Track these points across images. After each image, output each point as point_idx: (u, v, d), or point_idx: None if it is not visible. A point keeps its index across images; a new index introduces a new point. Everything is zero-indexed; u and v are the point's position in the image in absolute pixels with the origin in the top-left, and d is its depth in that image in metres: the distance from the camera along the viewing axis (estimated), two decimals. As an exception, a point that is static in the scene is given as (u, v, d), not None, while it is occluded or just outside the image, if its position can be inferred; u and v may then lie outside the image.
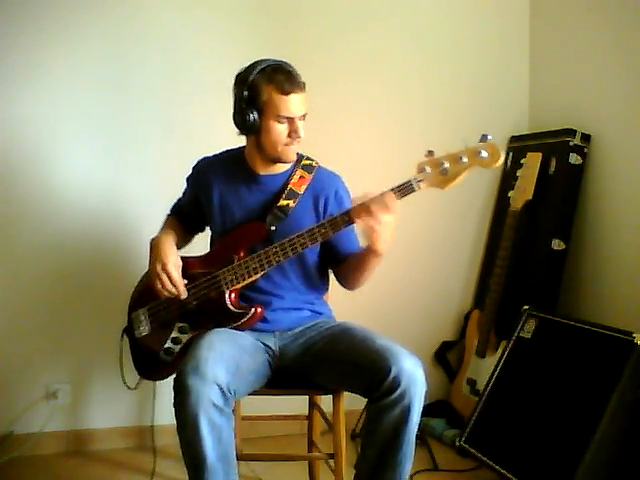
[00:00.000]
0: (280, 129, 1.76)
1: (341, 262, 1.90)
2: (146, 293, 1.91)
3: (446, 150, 1.62)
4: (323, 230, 1.71)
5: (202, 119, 2.60)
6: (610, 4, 2.62)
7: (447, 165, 1.61)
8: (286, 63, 1.78)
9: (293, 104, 1.73)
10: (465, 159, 1.60)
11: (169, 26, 2.57)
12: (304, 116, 1.78)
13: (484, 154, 1.59)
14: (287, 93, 1.72)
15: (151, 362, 1.92)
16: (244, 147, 1.90)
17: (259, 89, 1.74)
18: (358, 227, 1.70)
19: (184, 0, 2.59)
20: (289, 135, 1.77)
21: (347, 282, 1.92)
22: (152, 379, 2.05)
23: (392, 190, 1.64)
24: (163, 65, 2.57)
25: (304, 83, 1.77)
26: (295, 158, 1.85)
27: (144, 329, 1.93)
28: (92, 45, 2.48)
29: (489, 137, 1.59)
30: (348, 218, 1.69)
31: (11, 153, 2.44)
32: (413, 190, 1.64)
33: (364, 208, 1.63)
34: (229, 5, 2.64)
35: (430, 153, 1.63)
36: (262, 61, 1.77)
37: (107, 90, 2.51)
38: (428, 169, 1.63)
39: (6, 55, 2.40)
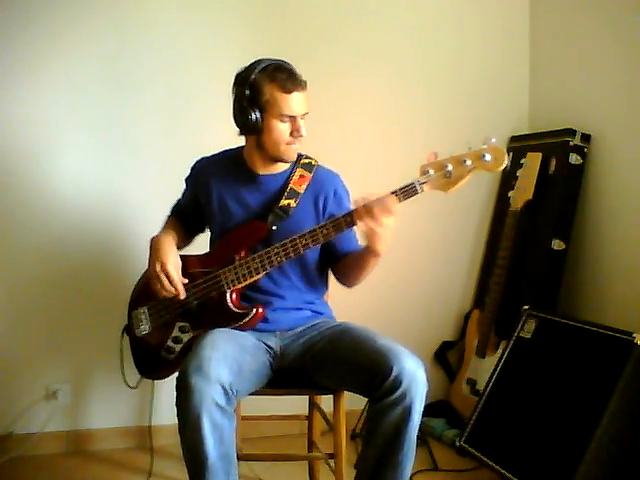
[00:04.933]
0: (282, 128, 1.76)
1: (340, 260, 1.90)
2: (147, 291, 1.91)
3: (448, 150, 1.62)
4: (325, 231, 1.71)
5: (202, 119, 2.60)
6: (610, 4, 2.62)
7: (451, 168, 1.61)
8: (286, 62, 1.79)
9: (295, 102, 1.74)
10: (469, 162, 1.60)
11: (168, 25, 2.57)
12: (305, 115, 1.79)
13: (488, 157, 1.58)
14: (289, 91, 1.73)
15: (151, 361, 1.92)
16: (242, 147, 1.90)
17: (261, 88, 1.74)
18: (359, 229, 1.70)
19: (183, -1, 2.60)
20: (291, 134, 1.77)
21: (346, 280, 1.92)
22: (152, 378, 2.05)
23: (395, 192, 1.64)
24: (162, 64, 2.57)
25: (305, 82, 1.77)
26: (296, 157, 1.86)
27: (144, 328, 1.92)
28: (90, 45, 2.48)
29: (493, 140, 1.59)
30: (350, 220, 1.69)
31: (8, 154, 2.44)
32: (416, 192, 1.64)
33: (366, 210, 1.63)
34: (228, 2, 2.63)
35: (434, 155, 1.63)
36: (262, 60, 1.78)
37: (105, 90, 2.51)
38: (431, 171, 1.62)
39: (4, 54, 2.40)
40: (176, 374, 1.82)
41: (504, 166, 1.59)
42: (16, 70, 2.42)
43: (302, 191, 1.86)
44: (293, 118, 1.76)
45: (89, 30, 2.48)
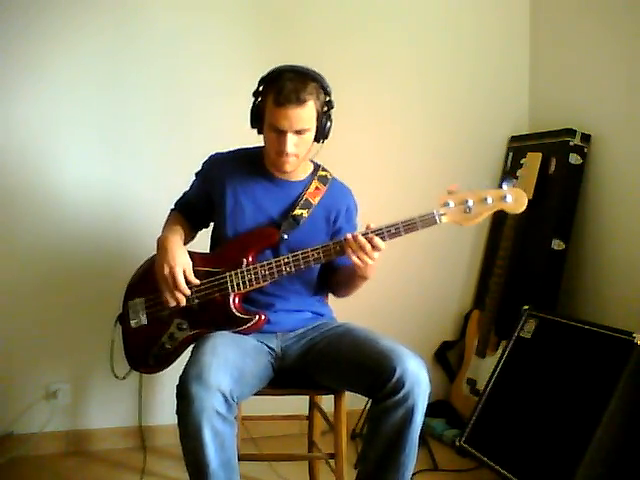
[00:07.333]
0: (271, 137, 1.75)
1: (333, 271, 1.91)
2: (146, 282, 1.88)
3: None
4: (338, 248, 1.71)
5: (203, 119, 2.59)
6: (610, 4, 2.62)
7: (471, 204, 1.63)
8: (302, 72, 1.72)
9: (284, 117, 1.69)
10: (490, 201, 1.63)
11: (169, 26, 2.56)
12: (300, 132, 1.72)
13: (509, 199, 1.62)
14: (280, 105, 1.68)
15: (143, 355, 1.88)
16: (262, 147, 1.86)
17: (264, 93, 1.75)
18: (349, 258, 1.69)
19: (184, 0, 2.59)
20: (278, 147, 1.74)
21: (334, 292, 1.97)
22: (142, 372, 2.02)
23: (413, 220, 1.65)
24: (163, 65, 2.56)
25: (305, 99, 1.69)
26: (288, 170, 1.81)
27: (140, 320, 1.88)
28: (92, 46, 2.48)
29: (514, 181, 1.63)
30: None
31: (8, 153, 2.43)
32: (435, 223, 1.65)
33: (359, 247, 1.65)
34: (230, 6, 2.63)
35: (451, 193, 1.65)
36: (282, 66, 1.74)
37: (107, 90, 2.51)
38: (452, 204, 1.64)
39: (5, 54, 2.39)
40: (167, 369, 1.84)
41: (524, 209, 1.63)
42: (16, 70, 2.41)
43: (315, 203, 1.86)
44: (282, 132, 1.71)
45: (90, 30, 2.47)
